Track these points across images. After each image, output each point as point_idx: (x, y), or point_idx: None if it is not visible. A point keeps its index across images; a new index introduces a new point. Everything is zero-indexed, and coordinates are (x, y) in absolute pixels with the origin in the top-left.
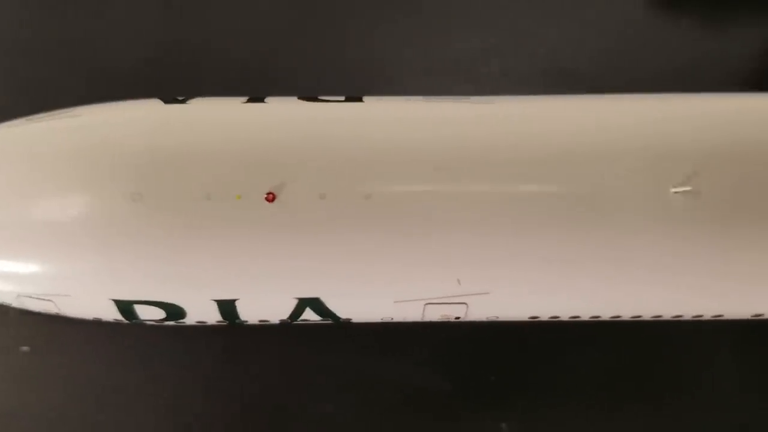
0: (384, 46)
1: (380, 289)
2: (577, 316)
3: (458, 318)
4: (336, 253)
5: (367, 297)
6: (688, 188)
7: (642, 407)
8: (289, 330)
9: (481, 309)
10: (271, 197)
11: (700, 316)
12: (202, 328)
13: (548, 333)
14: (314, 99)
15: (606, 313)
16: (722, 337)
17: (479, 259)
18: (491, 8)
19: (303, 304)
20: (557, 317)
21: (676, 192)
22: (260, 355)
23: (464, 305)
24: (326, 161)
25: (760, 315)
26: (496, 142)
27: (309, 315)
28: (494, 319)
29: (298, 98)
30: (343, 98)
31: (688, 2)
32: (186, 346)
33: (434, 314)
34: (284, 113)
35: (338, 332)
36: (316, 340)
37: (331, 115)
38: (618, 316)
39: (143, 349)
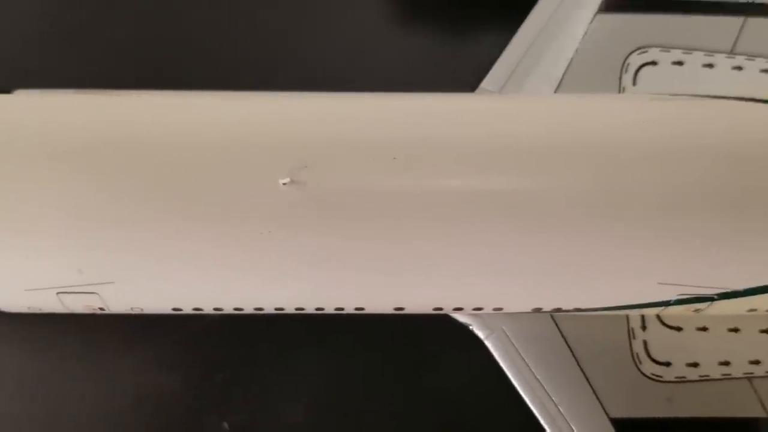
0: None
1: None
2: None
3: (102, 309)
4: None
5: None
6: (295, 180)
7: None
8: None
9: (118, 299)
10: None
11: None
12: None
13: (280, 333)
14: None
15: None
16: None
17: (103, 249)
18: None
19: None
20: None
21: (284, 184)
22: None
23: (95, 295)
24: None
25: (439, 309)
26: None
27: None
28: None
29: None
30: None
31: (425, 16)
32: None
33: (75, 304)
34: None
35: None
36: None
37: None
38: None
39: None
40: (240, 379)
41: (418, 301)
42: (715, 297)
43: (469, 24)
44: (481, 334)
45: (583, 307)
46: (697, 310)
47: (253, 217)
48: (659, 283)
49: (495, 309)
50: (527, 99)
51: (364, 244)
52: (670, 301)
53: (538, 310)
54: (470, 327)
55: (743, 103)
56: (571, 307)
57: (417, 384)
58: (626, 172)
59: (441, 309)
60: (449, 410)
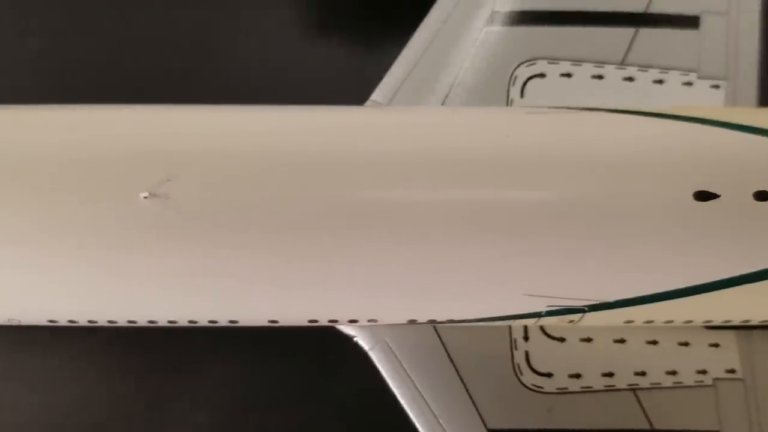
0: None
1: None
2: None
3: None
4: None
5: None
6: (156, 193)
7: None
8: None
9: None
10: None
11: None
12: None
13: (186, 343)
14: None
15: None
16: None
17: None
18: None
19: None
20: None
21: (145, 197)
22: None
23: None
24: None
25: (314, 321)
26: None
27: None
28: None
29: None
30: None
31: (334, 28)
32: None
33: None
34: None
35: None
36: None
37: None
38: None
39: None
40: (144, 390)
41: (290, 313)
42: (586, 309)
43: (382, 36)
44: (365, 346)
45: (455, 318)
46: (571, 321)
47: (115, 231)
48: (526, 295)
49: (369, 321)
50: (405, 111)
51: (230, 256)
52: (541, 312)
53: (413, 322)
54: (354, 338)
55: (618, 115)
56: (444, 319)
57: (325, 395)
58: (489, 184)
59: (316, 321)
60: (358, 421)
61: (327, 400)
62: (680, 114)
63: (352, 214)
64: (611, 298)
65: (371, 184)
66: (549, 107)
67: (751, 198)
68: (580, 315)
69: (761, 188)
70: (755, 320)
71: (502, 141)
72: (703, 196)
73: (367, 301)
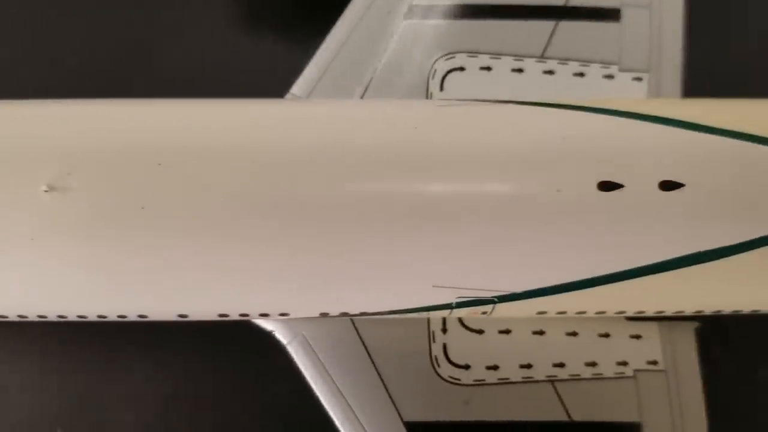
0: None
1: None
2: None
3: None
4: None
5: None
6: (56, 186)
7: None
8: None
9: None
10: None
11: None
12: None
13: (116, 341)
14: None
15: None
16: None
17: None
18: None
19: None
20: None
21: (45, 191)
22: None
23: None
24: None
25: (224, 315)
26: None
27: None
28: None
29: None
30: None
31: (264, 22)
32: None
33: None
34: None
35: None
36: None
37: None
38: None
39: None
40: (70, 389)
41: (199, 307)
42: (496, 300)
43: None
44: (283, 340)
45: (368, 311)
46: (484, 313)
47: (19, 223)
48: (435, 287)
49: (281, 314)
50: (312, 104)
51: (131, 248)
52: (452, 304)
53: (325, 315)
54: (273, 333)
55: (527, 107)
56: (356, 312)
57: (254, 392)
58: (393, 176)
59: (227, 315)
60: (289, 418)
61: (257, 398)
62: (591, 106)
63: (254, 206)
64: (519, 289)
65: (273, 177)
66: (461, 100)
67: (656, 188)
68: (491, 306)
69: (666, 178)
70: (665, 311)
71: (410, 133)
72: (607, 186)
73: (274, 294)
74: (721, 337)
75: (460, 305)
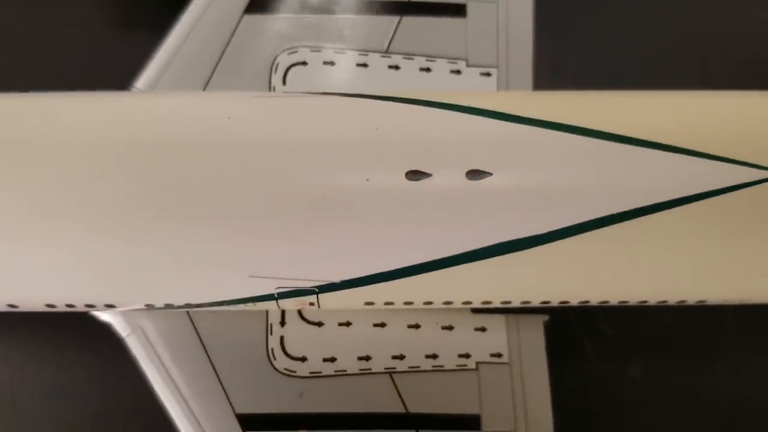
0: None
1: None
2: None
3: None
4: None
5: None
6: None
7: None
8: None
9: None
10: None
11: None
12: None
13: None
14: None
15: None
16: None
17: None
18: None
19: None
20: None
21: None
22: None
23: None
24: None
25: (52, 306)
26: None
27: None
28: None
29: None
30: None
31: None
32: None
33: None
34: None
35: None
36: None
37: None
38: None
39: None
40: None
41: (24, 295)
42: (317, 290)
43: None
44: (121, 332)
45: (191, 302)
46: (312, 304)
47: None
48: (251, 277)
49: (107, 305)
50: (132, 97)
51: None
52: (273, 294)
53: (151, 307)
54: (111, 326)
55: (346, 98)
56: (180, 303)
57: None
58: (197, 165)
59: (54, 306)
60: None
61: (110, 391)
62: (409, 97)
63: (62, 200)
64: (337, 279)
65: (78, 171)
66: (284, 93)
67: (464, 177)
68: (314, 296)
69: (474, 167)
70: (489, 301)
71: (223, 123)
72: (415, 175)
73: (93, 284)
74: (595, 333)
75: (283, 296)
